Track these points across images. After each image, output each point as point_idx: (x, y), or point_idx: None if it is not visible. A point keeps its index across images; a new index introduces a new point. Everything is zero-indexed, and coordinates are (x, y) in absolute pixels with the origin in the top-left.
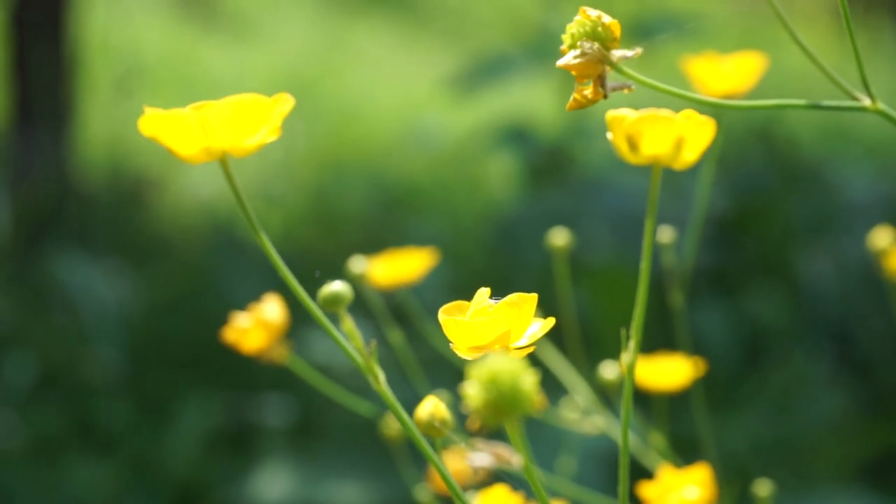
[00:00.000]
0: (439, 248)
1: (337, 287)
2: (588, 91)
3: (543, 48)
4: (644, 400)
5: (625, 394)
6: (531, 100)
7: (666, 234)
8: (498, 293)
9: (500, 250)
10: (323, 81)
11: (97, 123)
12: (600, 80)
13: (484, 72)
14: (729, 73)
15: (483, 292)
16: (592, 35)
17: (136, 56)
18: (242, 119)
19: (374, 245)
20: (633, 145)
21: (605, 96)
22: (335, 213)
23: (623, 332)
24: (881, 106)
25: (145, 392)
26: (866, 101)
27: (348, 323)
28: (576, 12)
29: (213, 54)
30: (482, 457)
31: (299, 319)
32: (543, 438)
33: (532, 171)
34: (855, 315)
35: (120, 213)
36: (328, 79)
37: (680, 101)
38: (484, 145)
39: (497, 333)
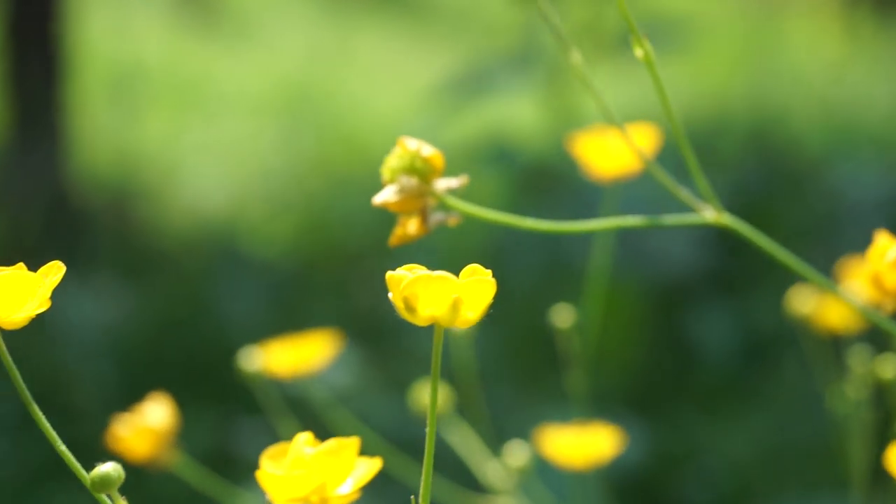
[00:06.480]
0: (438, 260)
1: (106, 469)
2: (413, 224)
3: (526, 57)
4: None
5: (426, 447)
6: (517, 108)
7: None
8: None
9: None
10: (325, 86)
11: (96, 133)
12: (423, 215)
13: (467, 85)
14: (617, 151)
15: (301, 438)
16: (411, 169)
17: (135, 64)
18: (9, 294)
19: (375, 255)
20: (409, 307)
21: (428, 230)
22: (337, 222)
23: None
24: (726, 219)
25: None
26: (708, 214)
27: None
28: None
29: (215, 60)
30: None
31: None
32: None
33: (520, 187)
34: None
35: (117, 227)
36: (330, 84)
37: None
38: (470, 162)
39: (313, 486)
